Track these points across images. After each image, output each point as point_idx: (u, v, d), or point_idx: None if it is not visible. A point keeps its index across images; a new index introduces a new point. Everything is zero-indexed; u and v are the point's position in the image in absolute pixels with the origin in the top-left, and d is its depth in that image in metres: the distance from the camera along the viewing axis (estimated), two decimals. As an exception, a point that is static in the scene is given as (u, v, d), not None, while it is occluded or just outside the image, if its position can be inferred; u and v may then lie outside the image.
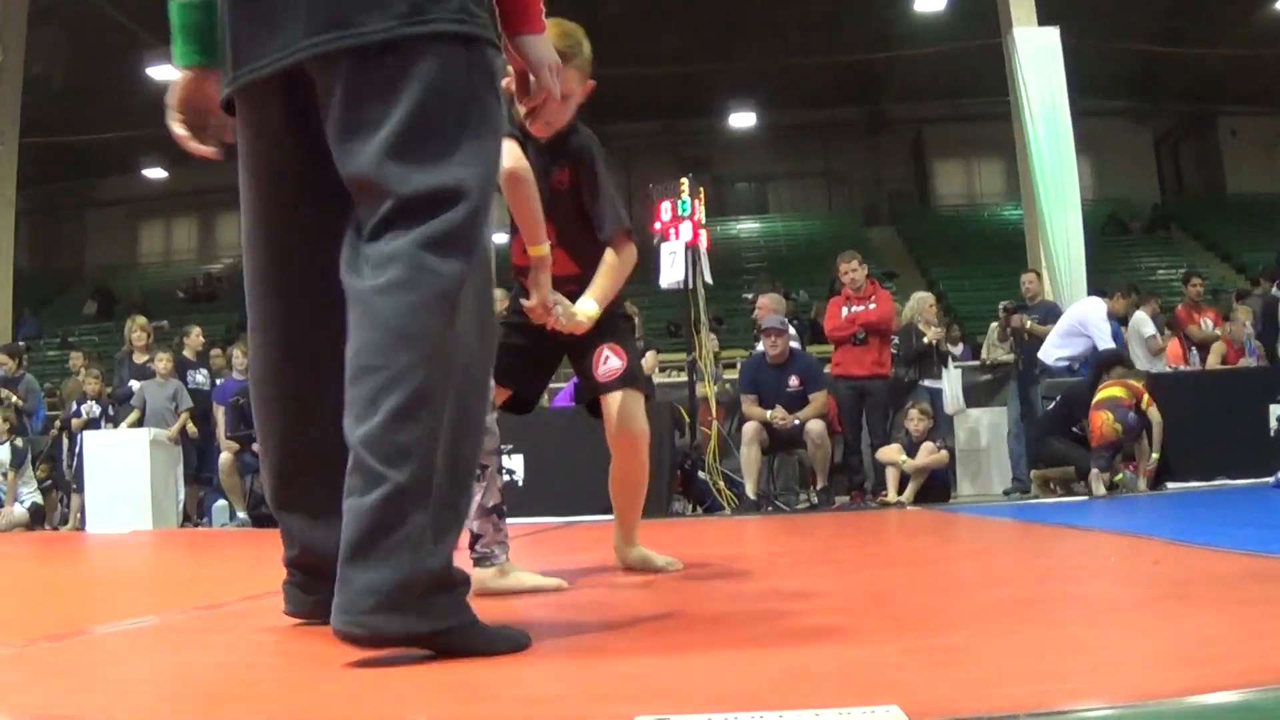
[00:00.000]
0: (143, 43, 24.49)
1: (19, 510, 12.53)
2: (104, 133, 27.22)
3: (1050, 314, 11.69)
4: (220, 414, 12.49)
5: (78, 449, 12.55)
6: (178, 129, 2.73)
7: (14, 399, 13.48)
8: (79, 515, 12.39)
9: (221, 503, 12.58)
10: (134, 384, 12.90)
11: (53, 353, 25.19)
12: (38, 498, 12.93)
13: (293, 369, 2.59)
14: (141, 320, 13.93)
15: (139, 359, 13.17)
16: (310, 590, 2.67)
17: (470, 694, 1.88)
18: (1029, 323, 11.40)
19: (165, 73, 24.71)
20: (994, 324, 13.34)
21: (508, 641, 2.27)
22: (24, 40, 19.53)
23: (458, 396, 2.20)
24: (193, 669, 2.27)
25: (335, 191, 2.32)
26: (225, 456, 11.90)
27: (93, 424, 12.95)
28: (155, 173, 34.27)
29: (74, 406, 13.48)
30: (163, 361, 12.79)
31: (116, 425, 12.72)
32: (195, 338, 13.93)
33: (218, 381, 13.38)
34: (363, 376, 2.13)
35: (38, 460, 13.24)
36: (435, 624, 2.11)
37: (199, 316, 26.53)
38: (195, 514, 12.94)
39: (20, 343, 18.28)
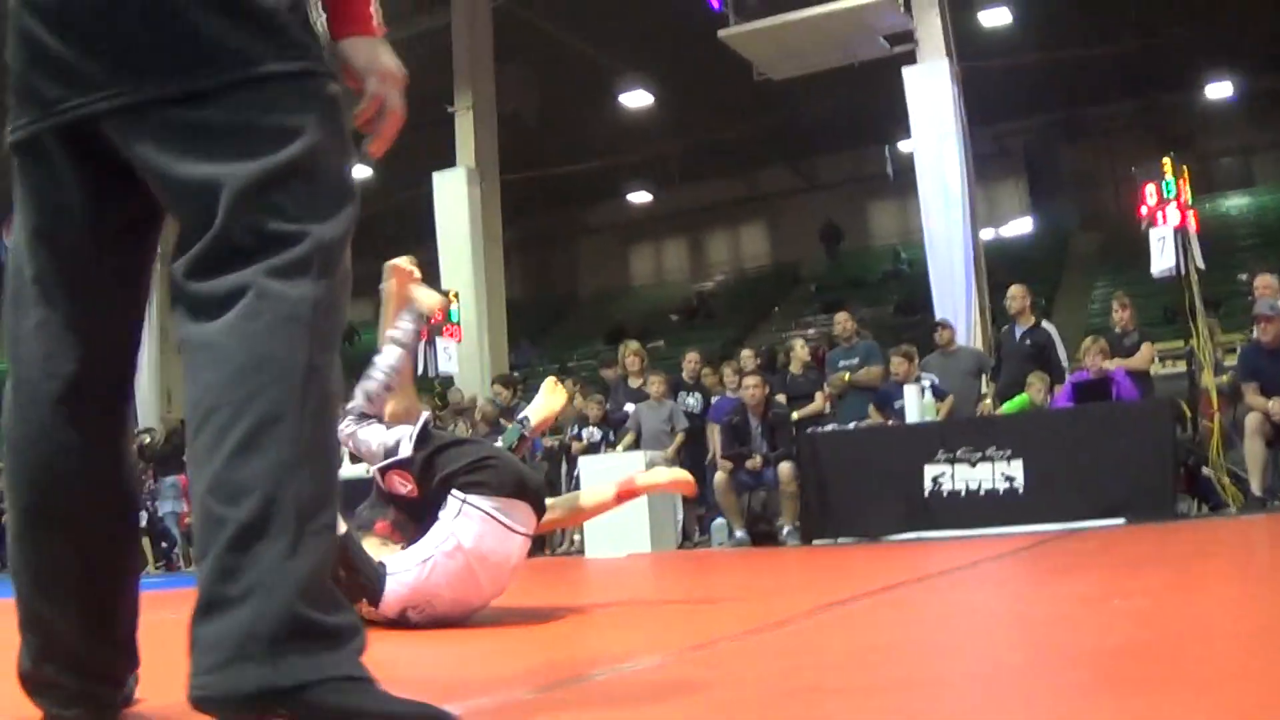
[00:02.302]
0: (610, 71, 25.33)
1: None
2: (583, 162, 28.34)
3: None
4: (714, 433, 12.52)
5: (575, 473, 12.88)
6: None
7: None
8: (575, 539, 12.71)
9: (720, 521, 12.59)
10: (629, 407, 13.13)
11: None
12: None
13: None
14: (635, 345, 14.24)
15: (634, 383, 13.41)
16: (70, 702, 2.20)
17: None
18: None
19: (637, 98, 25.67)
20: None
21: (415, 715, 1.92)
22: (493, 80, 20.51)
23: (313, 419, 1.91)
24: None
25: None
26: (720, 476, 11.88)
27: (592, 448, 13.27)
28: (640, 196, 35.45)
29: (574, 430, 13.89)
30: (656, 384, 12.94)
31: (614, 448, 12.99)
32: (691, 363, 14.08)
33: (712, 400, 13.45)
34: (204, 424, 1.87)
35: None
36: (301, 675, 1.74)
37: (694, 335, 27.18)
38: (695, 532, 13.00)
39: (515, 373, 19.08)
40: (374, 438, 4.43)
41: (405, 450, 4.35)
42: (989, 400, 11.85)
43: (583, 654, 3.67)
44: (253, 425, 1.84)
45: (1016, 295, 12.21)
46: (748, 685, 2.60)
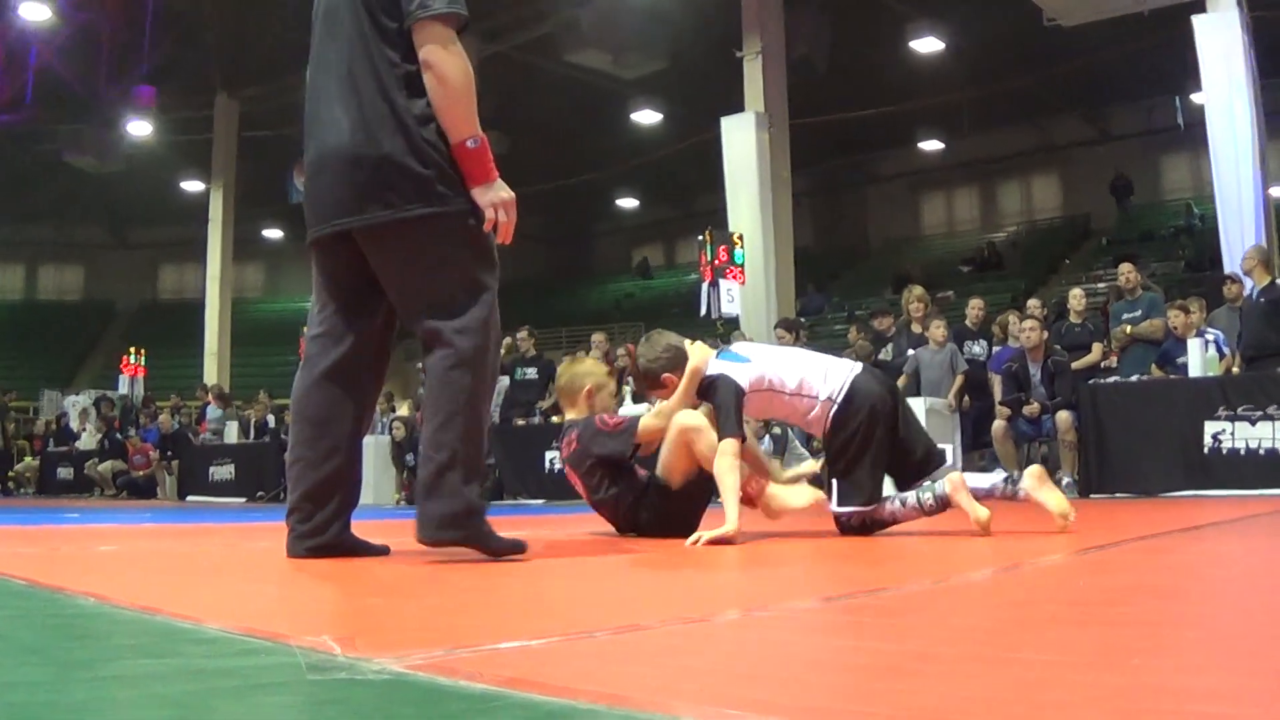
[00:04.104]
0: (901, 17, 25.06)
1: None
2: (873, 108, 28.12)
3: None
4: (996, 382, 12.50)
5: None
6: None
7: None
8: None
9: (999, 471, 12.54)
10: (911, 352, 13.19)
11: (839, 326, 26.38)
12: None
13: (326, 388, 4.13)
14: (919, 290, 14.23)
15: (916, 329, 13.44)
16: (306, 540, 4.02)
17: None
18: None
19: (928, 45, 25.35)
20: None
21: (511, 545, 3.91)
22: (782, 25, 20.56)
23: (475, 419, 3.88)
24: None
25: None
26: (998, 423, 11.86)
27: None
28: (931, 145, 34.98)
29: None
30: (936, 329, 12.94)
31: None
32: (975, 309, 14.05)
33: (994, 350, 13.42)
34: (431, 414, 3.86)
35: (810, 431, 13.83)
36: (468, 534, 3.81)
37: (983, 286, 26.87)
38: (971, 483, 12.97)
39: (801, 318, 19.22)
40: None
41: None
42: (1235, 368, 11.50)
43: (859, 576, 3.87)
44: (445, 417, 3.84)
45: (1248, 255, 11.93)
46: (993, 612, 2.70)
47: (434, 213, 3.87)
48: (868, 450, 5.25)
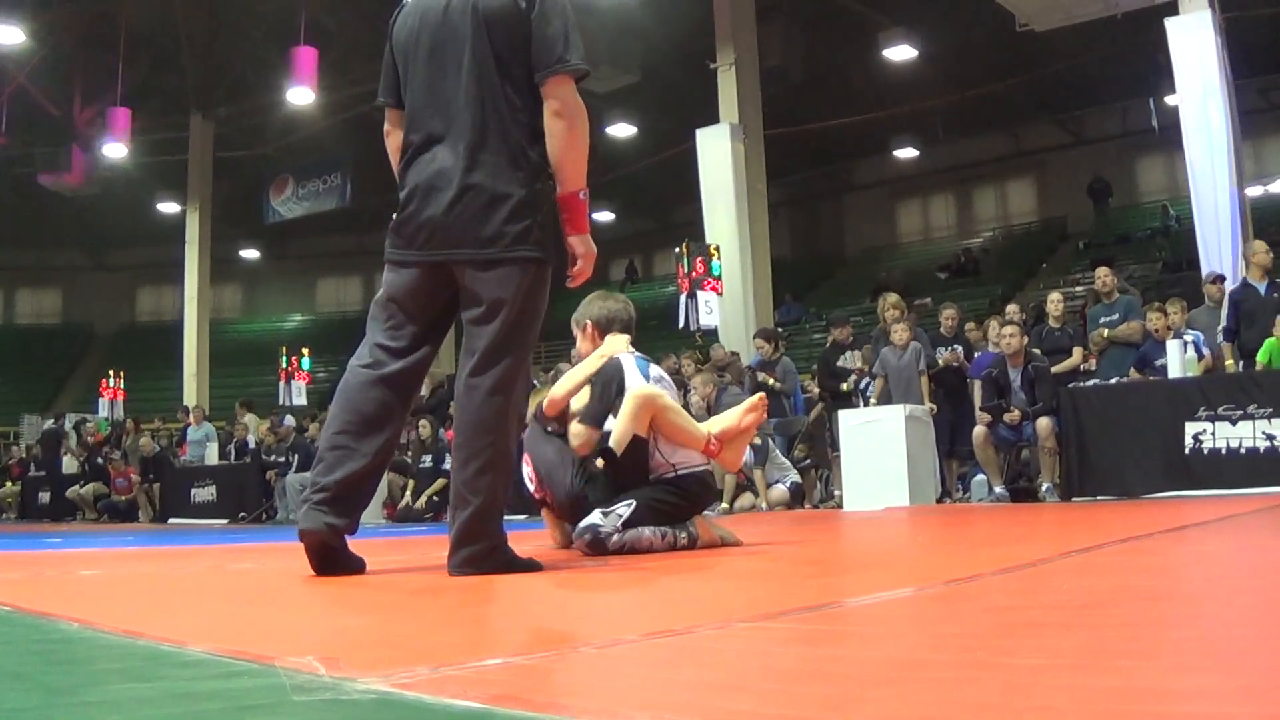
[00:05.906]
0: (875, 25, 25.11)
1: (779, 490, 13.08)
2: (848, 117, 28.17)
3: None
4: (976, 387, 12.52)
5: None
6: None
7: (771, 381, 14.21)
8: (835, 494, 12.85)
9: (981, 476, 12.59)
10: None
11: (818, 335, 26.41)
12: (796, 476, 13.29)
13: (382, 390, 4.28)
14: (894, 297, 14.24)
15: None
16: (327, 515, 4.06)
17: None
18: None
19: (901, 53, 25.42)
20: None
21: (527, 564, 4.16)
22: (755, 36, 20.56)
23: (506, 466, 4.12)
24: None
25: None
26: (978, 429, 11.87)
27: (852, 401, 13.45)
28: (906, 152, 35.04)
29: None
30: (899, 332, 12.93)
31: (866, 402, 13.16)
32: (948, 319, 14.06)
33: (975, 355, 13.44)
34: (467, 454, 4.06)
35: (796, 440, 13.93)
36: (493, 568, 4.01)
37: (961, 292, 26.92)
38: (954, 489, 13.02)
39: (778, 328, 19.24)
40: None
41: None
42: (1229, 361, 11.50)
43: (841, 585, 3.87)
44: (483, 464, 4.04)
45: (1258, 251, 11.92)
46: (977, 618, 2.68)
47: (536, 257, 4.12)
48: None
